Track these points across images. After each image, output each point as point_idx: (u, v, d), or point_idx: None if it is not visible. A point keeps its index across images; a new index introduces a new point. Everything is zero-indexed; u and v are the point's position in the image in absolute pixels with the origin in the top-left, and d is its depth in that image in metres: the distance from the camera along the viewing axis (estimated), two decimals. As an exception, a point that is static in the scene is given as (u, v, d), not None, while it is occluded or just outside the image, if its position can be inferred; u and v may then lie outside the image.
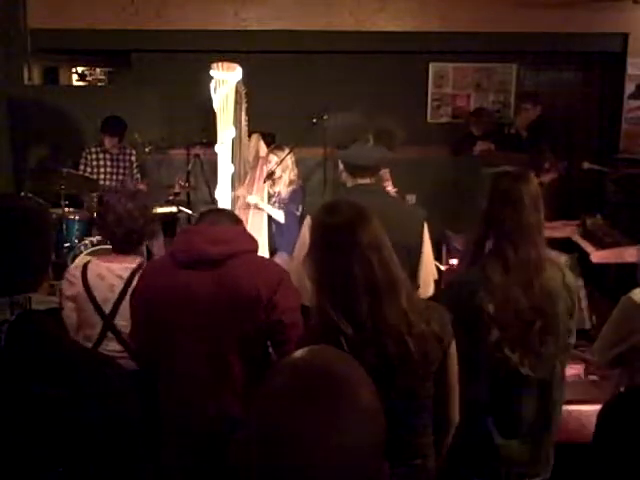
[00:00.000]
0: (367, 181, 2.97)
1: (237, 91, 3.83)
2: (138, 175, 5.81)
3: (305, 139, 4.77)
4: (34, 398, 1.26)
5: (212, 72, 3.71)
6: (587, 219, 4.55)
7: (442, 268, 3.85)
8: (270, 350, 2.28)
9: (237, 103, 3.87)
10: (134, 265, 2.67)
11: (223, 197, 3.84)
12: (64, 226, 5.05)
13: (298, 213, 4.60)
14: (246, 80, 3.91)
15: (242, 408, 2.11)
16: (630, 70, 6.23)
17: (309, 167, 6.18)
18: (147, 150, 5.78)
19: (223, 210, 2.66)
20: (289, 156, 4.59)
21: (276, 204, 4.66)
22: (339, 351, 1.10)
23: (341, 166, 3.07)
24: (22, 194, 4.74)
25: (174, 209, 5.42)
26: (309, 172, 6.19)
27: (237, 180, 4.23)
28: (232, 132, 3.80)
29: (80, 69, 8.20)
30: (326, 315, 1.79)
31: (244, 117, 4.19)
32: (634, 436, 1.09)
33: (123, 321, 2.58)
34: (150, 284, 2.26)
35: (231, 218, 2.42)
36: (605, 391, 2.66)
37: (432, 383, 1.89)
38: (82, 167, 5.66)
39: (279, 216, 4.55)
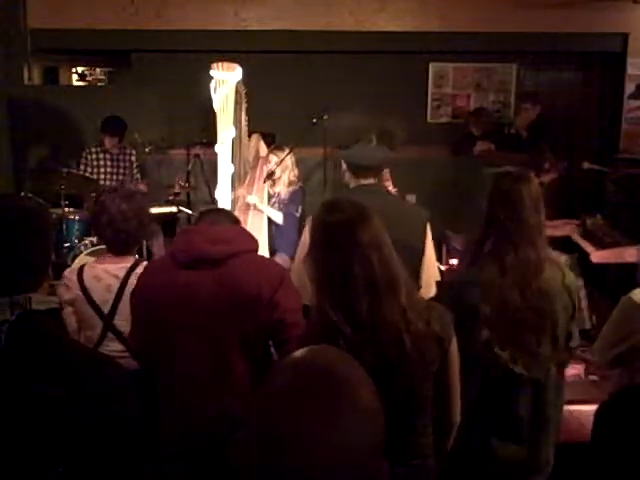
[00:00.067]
0: (370, 181, 2.97)
1: (237, 91, 3.82)
2: (138, 175, 5.81)
3: (305, 139, 4.77)
4: (34, 398, 1.26)
5: (212, 72, 3.71)
6: (587, 219, 4.55)
7: (442, 268, 3.84)
8: (272, 350, 2.28)
9: (237, 103, 3.86)
10: (129, 264, 2.67)
11: (223, 197, 3.84)
12: (64, 226, 5.05)
13: (297, 214, 4.60)
14: (246, 80, 3.91)
15: (243, 408, 2.11)
16: (630, 70, 6.23)
17: (309, 167, 6.18)
18: (147, 150, 5.78)
19: (222, 210, 2.66)
20: (289, 156, 4.59)
21: (276, 205, 4.66)
22: (339, 351, 1.10)
23: (344, 166, 3.07)
24: (22, 194, 4.74)
25: (174, 209, 5.42)
26: (309, 172, 6.19)
27: (237, 180, 4.23)
28: (232, 132, 3.80)
29: (80, 69, 8.20)
30: (325, 315, 1.79)
31: (244, 117, 4.19)
32: (631, 435, 1.09)
33: (123, 320, 2.58)
34: (150, 284, 2.26)
35: (230, 218, 2.42)
36: (605, 391, 2.66)
37: (432, 383, 1.89)
38: (82, 167, 5.66)
39: (278, 217, 4.54)
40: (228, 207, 3.76)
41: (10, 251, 1.36)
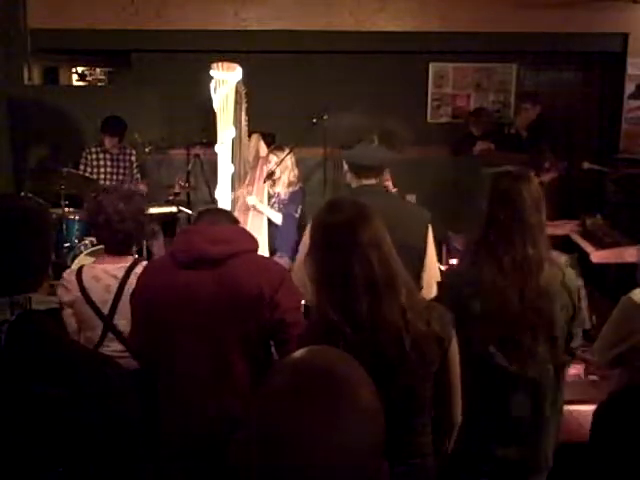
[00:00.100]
0: (372, 182, 2.97)
1: (237, 91, 3.82)
2: (138, 175, 5.81)
3: (305, 139, 4.77)
4: (34, 398, 1.26)
5: (212, 72, 3.71)
6: (587, 219, 4.55)
7: (442, 268, 3.84)
8: (272, 350, 2.28)
9: (237, 103, 3.86)
10: (128, 264, 2.66)
11: (223, 197, 3.84)
12: (64, 226, 5.05)
13: (297, 215, 4.59)
14: (246, 80, 3.90)
15: (243, 408, 2.11)
16: (630, 70, 6.24)
17: (309, 167, 6.18)
18: (147, 150, 5.78)
19: (221, 209, 2.66)
20: (289, 157, 4.58)
21: (275, 205, 4.66)
22: (339, 351, 1.10)
23: (346, 167, 3.06)
24: (22, 194, 4.74)
25: (174, 209, 5.42)
26: (309, 172, 6.19)
27: (237, 180, 4.23)
28: (232, 132, 3.80)
29: (80, 69, 8.20)
30: (325, 315, 1.80)
31: (244, 117, 4.19)
32: (629, 435, 1.09)
33: (123, 320, 2.58)
34: (150, 284, 2.26)
35: (229, 218, 2.42)
36: (605, 391, 2.65)
37: (432, 383, 1.89)
38: (82, 167, 5.66)
39: (277, 218, 4.54)
40: (228, 207, 3.76)
41: (10, 251, 1.36)
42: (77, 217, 5.11)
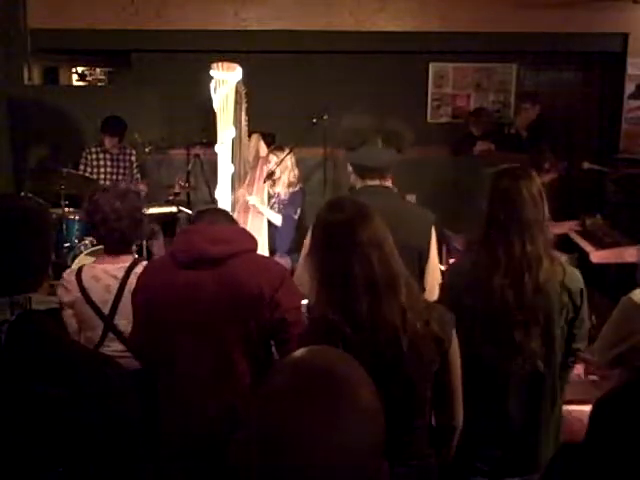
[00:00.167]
0: (376, 183, 2.97)
1: (237, 91, 3.82)
2: (138, 175, 5.81)
3: (305, 139, 4.77)
4: (34, 398, 1.26)
5: (212, 72, 3.71)
6: (587, 219, 4.55)
7: (442, 268, 3.84)
8: (273, 349, 2.28)
9: (237, 103, 3.86)
10: (128, 264, 2.66)
11: (223, 197, 3.84)
12: (64, 226, 5.05)
13: (296, 217, 4.59)
14: (246, 80, 3.90)
15: (243, 408, 2.11)
16: (630, 70, 6.24)
17: (309, 167, 6.18)
18: (147, 150, 5.78)
19: (220, 209, 2.66)
20: (289, 157, 4.58)
21: (275, 205, 4.66)
22: (339, 351, 1.11)
23: (350, 168, 3.06)
24: (22, 194, 4.74)
25: (174, 209, 5.42)
26: (309, 172, 6.19)
27: (237, 180, 4.23)
28: (232, 132, 3.80)
29: (80, 69, 8.20)
30: (325, 314, 1.79)
31: (244, 117, 4.19)
32: (627, 432, 1.09)
33: (123, 320, 2.58)
34: (150, 284, 2.26)
35: (228, 217, 2.42)
36: (605, 391, 2.66)
37: (431, 384, 1.89)
38: (82, 167, 5.66)
39: (276, 219, 4.54)
40: (228, 207, 3.76)
41: (10, 251, 1.36)
42: (77, 217, 5.11)
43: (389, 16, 5.98)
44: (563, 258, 3.33)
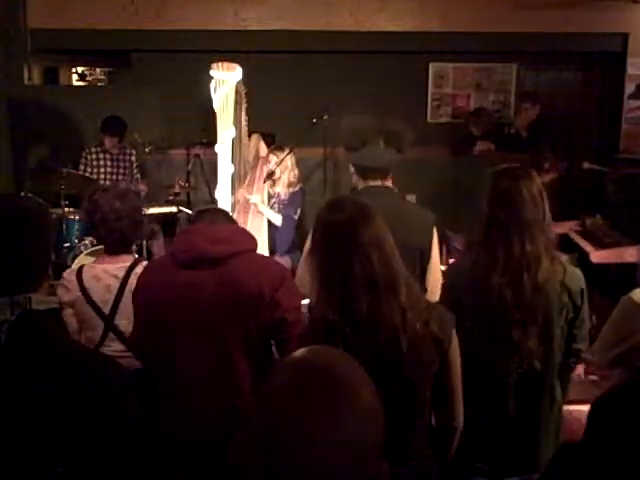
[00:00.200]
0: (378, 183, 2.97)
1: (237, 91, 3.82)
2: (138, 175, 5.81)
3: (305, 139, 4.77)
4: (34, 398, 1.26)
5: (212, 72, 3.71)
6: (587, 219, 4.55)
7: (442, 268, 3.84)
8: (273, 349, 2.28)
9: (237, 103, 3.86)
10: (128, 264, 2.66)
11: (223, 197, 3.84)
12: (64, 226, 5.05)
13: (296, 217, 4.59)
14: (246, 80, 3.90)
15: (244, 408, 2.11)
16: (630, 70, 6.24)
17: (309, 167, 6.18)
18: (147, 150, 5.78)
19: (219, 209, 2.66)
20: (289, 157, 4.58)
21: (275, 205, 4.66)
22: (339, 351, 1.10)
23: (352, 169, 3.06)
24: (22, 194, 4.74)
25: (174, 209, 5.42)
26: (309, 172, 6.19)
27: (237, 180, 4.23)
28: (232, 132, 3.79)
29: (80, 69, 8.20)
30: (325, 314, 1.79)
31: (244, 117, 4.19)
32: (626, 431, 1.09)
33: (124, 320, 2.58)
34: (150, 284, 2.26)
35: (228, 217, 2.43)
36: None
37: (431, 385, 1.89)
38: (82, 167, 5.66)
39: (276, 220, 4.54)
40: (228, 207, 3.75)
41: (10, 251, 1.36)
42: (77, 217, 5.11)
43: (389, 16, 5.98)
44: (563, 258, 3.34)
